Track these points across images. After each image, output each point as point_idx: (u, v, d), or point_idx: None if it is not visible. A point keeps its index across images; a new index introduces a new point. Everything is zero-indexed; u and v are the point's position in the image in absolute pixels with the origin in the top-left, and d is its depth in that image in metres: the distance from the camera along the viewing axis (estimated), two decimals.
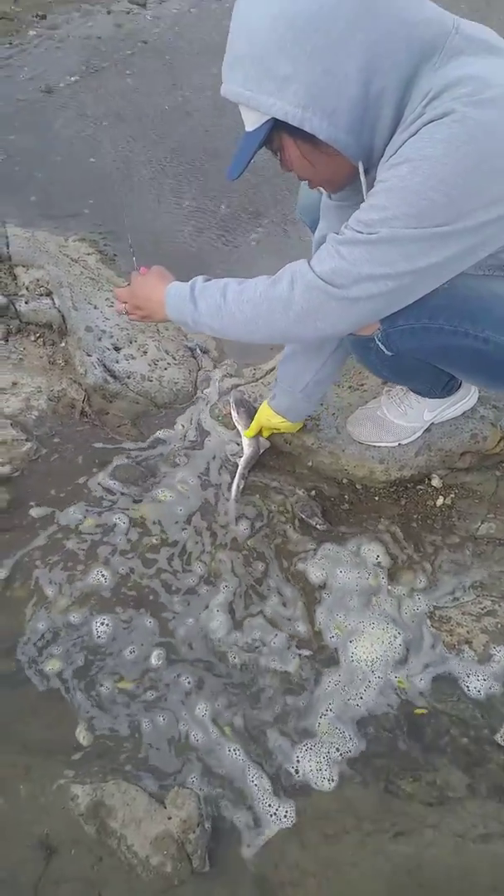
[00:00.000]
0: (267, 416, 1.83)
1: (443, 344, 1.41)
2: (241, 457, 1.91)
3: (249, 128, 1.18)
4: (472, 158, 1.05)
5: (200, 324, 1.38)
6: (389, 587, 1.69)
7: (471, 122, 1.04)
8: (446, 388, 1.73)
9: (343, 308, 1.21)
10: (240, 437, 1.94)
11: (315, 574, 1.71)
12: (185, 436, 2.02)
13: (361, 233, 1.14)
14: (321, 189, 1.39)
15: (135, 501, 1.86)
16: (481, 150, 1.05)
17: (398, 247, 1.12)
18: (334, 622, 1.63)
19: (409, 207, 1.09)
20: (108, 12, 4.19)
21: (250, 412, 1.91)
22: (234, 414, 1.96)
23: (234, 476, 1.88)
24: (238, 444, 1.96)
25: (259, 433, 1.91)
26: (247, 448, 1.91)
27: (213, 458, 1.97)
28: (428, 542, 1.77)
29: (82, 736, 1.48)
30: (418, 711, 1.51)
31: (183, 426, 2.04)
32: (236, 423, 1.95)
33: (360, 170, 1.20)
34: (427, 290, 1.23)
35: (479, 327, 1.36)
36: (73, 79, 3.60)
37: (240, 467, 1.89)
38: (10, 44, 3.81)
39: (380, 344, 1.45)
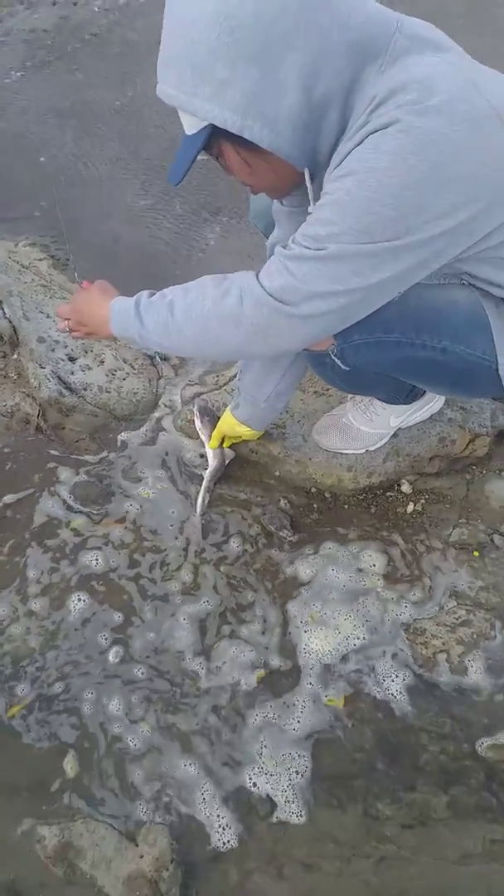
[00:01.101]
0: (230, 425, 1.77)
1: (400, 356, 1.36)
2: (205, 469, 1.85)
3: (188, 132, 1.13)
4: (420, 170, 1.00)
5: (148, 340, 1.31)
6: (365, 597, 1.64)
7: (417, 131, 0.99)
8: (410, 395, 1.68)
9: (294, 325, 1.16)
10: (203, 447, 1.87)
11: (300, 572, 1.67)
12: (146, 448, 1.95)
13: (309, 248, 1.09)
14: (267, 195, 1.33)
15: (94, 520, 1.79)
16: (430, 161, 1.00)
17: (348, 263, 1.08)
18: (308, 613, 1.58)
19: (357, 222, 1.04)
20: (54, 3, 4.05)
21: (214, 421, 1.85)
22: (197, 423, 1.89)
23: (200, 490, 1.82)
24: (202, 457, 1.90)
25: (222, 443, 1.85)
26: (211, 460, 1.84)
27: (177, 470, 1.91)
28: (399, 551, 1.73)
29: (69, 766, 1.43)
30: (330, 703, 1.47)
31: (144, 438, 1.97)
32: (200, 433, 1.89)
33: (307, 177, 1.15)
34: (381, 303, 1.18)
35: (437, 338, 1.32)
36: (18, 74, 3.47)
37: (205, 480, 1.82)
38: None
39: (335, 359, 1.40)
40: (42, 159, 3.01)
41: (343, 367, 1.41)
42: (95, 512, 1.81)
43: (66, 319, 1.48)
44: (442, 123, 1.00)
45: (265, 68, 1.01)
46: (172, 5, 1.04)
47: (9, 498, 1.82)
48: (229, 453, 1.87)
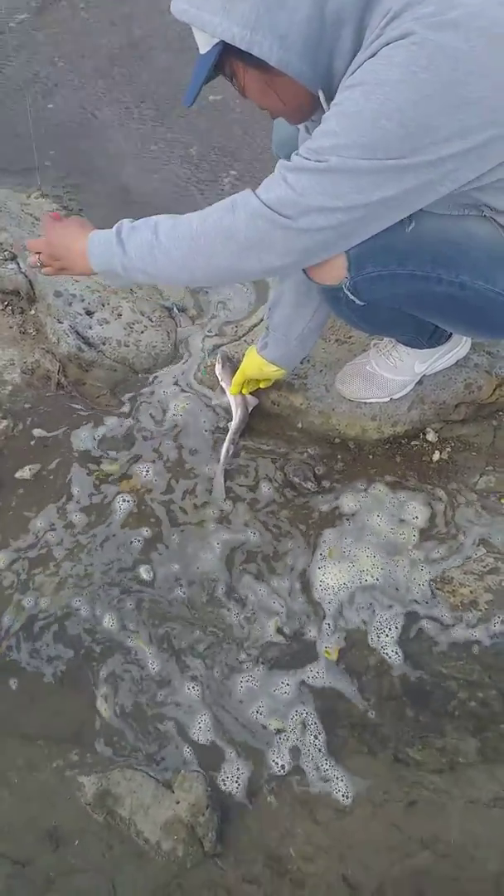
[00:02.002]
0: (257, 366, 1.73)
1: (415, 291, 1.31)
2: (230, 421, 1.83)
3: (202, 50, 1.09)
4: (430, 86, 0.96)
5: (131, 269, 1.25)
6: (393, 545, 1.63)
7: (431, 44, 0.95)
8: (434, 336, 1.63)
9: (290, 239, 1.11)
10: (224, 395, 1.84)
11: (324, 518, 1.66)
12: (168, 401, 1.93)
13: (310, 160, 1.05)
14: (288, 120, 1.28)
15: (121, 476, 1.79)
16: (441, 79, 0.96)
17: (349, 178, 1.03)
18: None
19: (361, 136, 1.00)
20: None
21: (235, 369, 1.82)
22: (218, 368, 1.86)
23: (224, 441, 1.80)
24: (225, 411, 1.87)
25: (241, 391, 1.82)
26: (235, 408, 1.81)
27: (200, 422, 1.89)
28: (426, 500, 1.71)
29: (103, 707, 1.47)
30: (327, 653, 1.47)
31: (165, 391, 1.95)
32: (220, 381, 1.86)
33: (322, 99, 1.10)
34: (386, 223, 1.14)
35: (454, 272, 1.27)
36: (22, 17, 3.35)
37: (229, 432, 1.80)
38: None
39: (349, 293, 1.35)
40: (50, 106, 2.93)
41: (358, 302, 1.36)
42: (121, 464, 1.80)
43: (37, 254, 1.40)
44: (459, 38, 0.95)
45: None
46: None
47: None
48: (252, 400, 1.83)
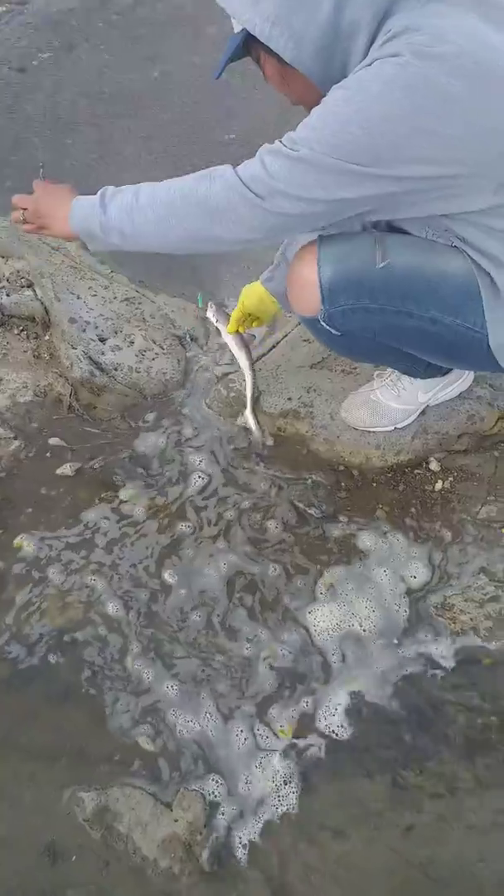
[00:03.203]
0: (258, 297, 1.77)
1: (387, 324, 1.39)
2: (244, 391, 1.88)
3: (235, 30, 1.20)
4: (402, 107, 1.04)
5: (108, 229, 1.32)
6: (392, 570, 1.66)
7: (412, 69, 1.03)
8: (431, 366, 1.66)
9: (256, 214, 1.20)
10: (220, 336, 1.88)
11: (327, 547, 1.69)
12: (178, 426, 1.97)
13: (286, 146, 1.14)
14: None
15: (128, 496, 1.82)
16: (414, 103, 1.04)
17: (314, 172, 1.12)
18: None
19: (332, 136, 1.09)
20: None
21: (227, 318, 1.87)
22: (211, 313, 1.91)
23: (245, 385, 1.86)
24: (238, 426, 1.92)
25: (238, 329, 1.85)
26: (238, 349, 1.85)
27: (210, 445, 1.93)
28: (428, 528, 1.74)
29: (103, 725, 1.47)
30: (281, 732, 1.46)
31: (175, 416, 2.00)
32: (215, 323, 1.90)
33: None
34: (344, 218, 1.22)
35: (424, 308, 1.34)
36: (45, 55, 3.48)
37: (246, 375, 1.85)
38: None
39: (324, 324, 1.43)
40: (69, 141, 3.03)
41: (334, 332, 1.44)
42: (130, 487, 1.84)
43: (22, 209, 1.46)
44: (440, 72, 1.03)
45: None
46: None
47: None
48: (248, 337, 1.85)
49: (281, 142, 1.16)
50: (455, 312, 1.33)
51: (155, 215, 1.27)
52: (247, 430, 1.88)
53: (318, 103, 1.22)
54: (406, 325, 1.37)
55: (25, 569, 1.69)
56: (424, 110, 1.04)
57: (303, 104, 1.28)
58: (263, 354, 2.02)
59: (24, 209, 1.45)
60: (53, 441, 1.92)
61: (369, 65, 1.08)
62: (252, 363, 1.87)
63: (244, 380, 1.88)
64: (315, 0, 1.07)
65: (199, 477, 1.85)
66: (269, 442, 1.84)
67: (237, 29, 1.18)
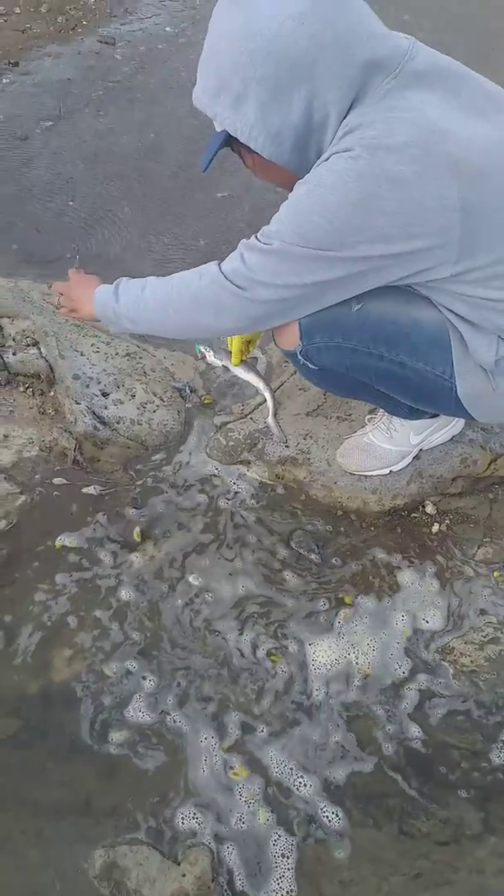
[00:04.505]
0: None
1: (359, 363, 1.48)
2: (266, 410, 1.99)
3: (217, 128, 1.28)
4: (356, 195, 1.13)
5: (120, 316, 1.49)
6: (393, 615, 1.68)
7: (362, 161, 1.12)
8: (415, 409, 1.70)
9: (240, 305, 1.31)
10: (230, 372, 1.96)
11: (325, 592, 1.71)
12: (180, 475, 2.02)
13: (260, 241, 1.25)
14: None
15: (137, 545, 1.86)
16: (365, 191, 1.13)
17: (288, 261, 1.22)
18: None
19: (298, 227, 1.19)
20: (79, 53, 4.24)
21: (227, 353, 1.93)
22: (210, 356, 1.96)
23: (267, 401, 1.96)
24: (239, 477, 1.97)
25: (243, 358, 1.91)
26: (249, 374, 1.94)
27: (212, 493, 1.97)
28: (425, 571, 1.76)
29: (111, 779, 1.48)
30: (234, 774, 1.48)
31: (176, 467, 2.05)
32: (218, 361, 1.95)
33: None
34: (329, 302, 1.31)
35: (394, 351, 1.42)
36: (47, 124, 3.64)
37: (265, 394, 1.95)
38: None
39: (301, 358, 1.53)
40: (71, 202, 3.14)
41: (311, 366, 1.55)
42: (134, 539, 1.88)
43: (60, 294, 1.68)
44: (390, 161, 1.12)
45: (274, 90, 1.15)
46: (213, 17, 1.19)
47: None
48: (252, 361, 1.94)
49: (256, 237, 1.26)
50: (425, 359, 1.41)
51: (156, 306, 1.42)
52: (270, 434, 2.01)
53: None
54: (377, 366, 1.46)
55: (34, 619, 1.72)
56: (377, 195, 1.13)
57: (284, 188, 1.37)
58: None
59: (61, 294, 1.68)
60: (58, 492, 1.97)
61: (327, 159, 1.17)
62: (266, 382, 1.97)
63: (264, 399, 1.99)
64: (288, 103, 1.15)
65: (200, 523, 1.89)
66: (289, 444, 1.98)
67: (219, 128, 1.26)
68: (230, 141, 1.29)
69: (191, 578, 1.79)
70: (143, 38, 4.21)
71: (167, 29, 4.25)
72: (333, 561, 1.80)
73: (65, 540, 1.86)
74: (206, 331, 1.44)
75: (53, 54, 4.26)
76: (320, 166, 1.18)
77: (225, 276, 1.30)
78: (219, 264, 1.33)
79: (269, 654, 1.59)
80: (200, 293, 1.35)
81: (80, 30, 4.35)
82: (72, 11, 4.47)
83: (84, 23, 4.40)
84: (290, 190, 1.36)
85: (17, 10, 4.48)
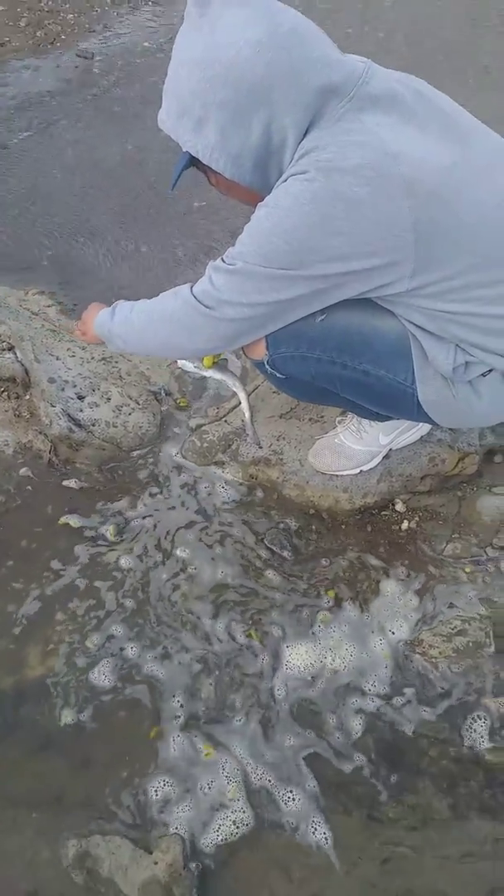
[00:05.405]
0: None
1: (324, 372, 1.52)
2: (242, 412, 1.98)
3: (183, 148, 1.32)
4: (312, 217, 1.19)
5: (114, 335, 1.57)
6: (363, 608, 1.72)
7: (317, 184, 1.17)
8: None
9: (210, 325, 1.37)
10: (203, 372, 1.88)
11: (297, 587, 1.74)
12: (155, 476, 2.05)
13: (225, 262, 1.30)
14: None
15: (112, 544, 1.88)
16: (320, 212, 1.18)
17: (251, 280, 1.28)
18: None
19: (259, 248, 1.25)
20: (57, 66, 4.29)
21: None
22: (181, 362, 1.90)
23: (242, 404, 1.94)
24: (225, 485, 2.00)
25: (214, 361, 1.87)
26: (223, 376, 1.88)
27: (187, 493, 2.00)
28: (395, 566, 1.80)
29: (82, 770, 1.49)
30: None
31: (152, 468, 2.07)
32: (191, 366, 1.87)
33: None
34: (293, 318, 1.37)
35: (357, 360, 1.47)
36: (25, 134, 3.68)
37: (240, 396, 1.91)
38: None
39: (269, 367, 1.59)
40: (49, 212, 3.18)
41: (279, 375, 1.60)
42: (113, 536, 1.90)
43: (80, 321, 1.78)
44: (344, 183, 1.17)
45: (234, 114, 1.19)
46: (176, 43, 1.23)
47: None
48: (223, 362, 1.89)
49: (222, 259, 1.32)
50: (387, 368, 1.46)
51: (140, 327, 1.50)
52: (245, 434, 2.03)
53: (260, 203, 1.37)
54: (342, 374, 1.51)
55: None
56: (332, 216, 1.18)
57: (248, 205, 1.42)
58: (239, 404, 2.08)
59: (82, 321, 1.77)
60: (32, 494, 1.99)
61: (285, 181, 1.22)
62: (241, 383, 1.94)
63: (239, 400, 1.97)
64: (247, 126, 1.20)
65: (174, 524, 1.92)
66: (262, 445, 2.01)
67: (184, 148, 1.31)
68: (195, 161, 1.33)
69: (165, 575, 1.81)
70: (122, 53, 4.27)
71: (145, 44, 4.32)
72: (305, 557, 1.84)
73: (43, 536, 1.87)
74: (183, 351, 1.53)
75: (32, 67, 4.31)
76: (279, 188, 1.24)
77: (195, 298, 1.36)
78: (191, 287, 1.39)
79: (247, 635, 1.67)
80: (174, 314, 1.41)
81: (58, 44, 4.40)
82: (51, 26, 4.53)
83: (63, 37, 4.46)
84: (255, 206, 1.40)
85: None
